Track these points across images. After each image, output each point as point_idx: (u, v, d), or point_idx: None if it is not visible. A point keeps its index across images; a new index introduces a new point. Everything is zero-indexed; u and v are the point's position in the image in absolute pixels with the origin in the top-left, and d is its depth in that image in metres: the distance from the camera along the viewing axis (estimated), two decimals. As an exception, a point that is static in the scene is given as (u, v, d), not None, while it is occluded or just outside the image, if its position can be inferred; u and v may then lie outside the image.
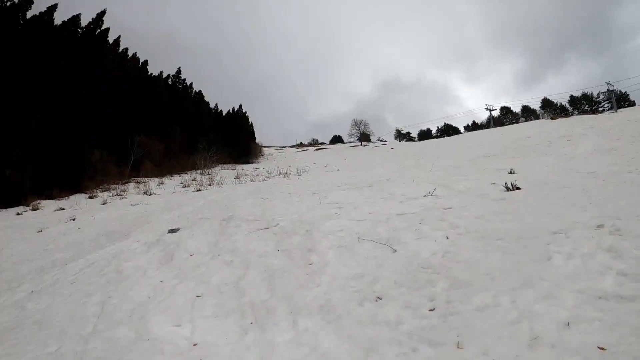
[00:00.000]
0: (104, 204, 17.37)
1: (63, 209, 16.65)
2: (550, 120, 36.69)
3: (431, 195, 8.30)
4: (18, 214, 16.60)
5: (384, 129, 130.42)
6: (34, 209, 17.28)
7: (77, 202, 17.71)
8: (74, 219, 13.47)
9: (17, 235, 11.92)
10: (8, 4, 24.01)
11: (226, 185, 20.23)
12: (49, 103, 21.99)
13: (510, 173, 11.32)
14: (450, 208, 6.98)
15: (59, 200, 19.07)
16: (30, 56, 22.48)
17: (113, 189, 21.06)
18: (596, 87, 57.54)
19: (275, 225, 7.31)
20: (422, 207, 7.25)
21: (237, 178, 25.38)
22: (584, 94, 57.11)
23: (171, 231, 8.16)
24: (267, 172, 28.45)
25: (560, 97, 62.15)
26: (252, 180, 22.84)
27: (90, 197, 19.43)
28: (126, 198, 18.45)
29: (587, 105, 56.40)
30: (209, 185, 21.30)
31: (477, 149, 21.32)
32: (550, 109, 59.84)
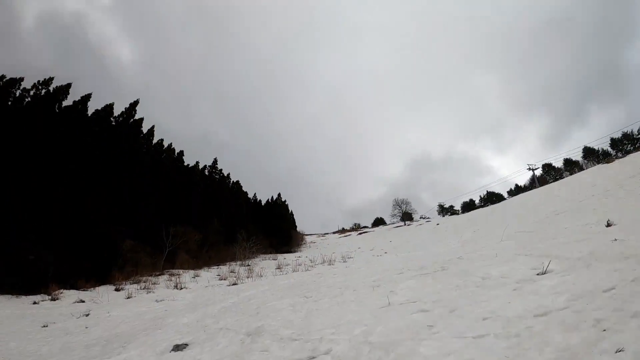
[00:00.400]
0: (128, 298, 15.39)
1: (83, 302, 14.81)
2: (606, 164, 33.44)
3: (544, 273, 5.44)
4: (35, 302, 14.92)
5: (420, 208, 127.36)
6: (53, 299, 15.61)
7: (100, 295, 15.86)
8: (87, 315, 11.50)
9: (20, 328, 10.18)
10: (43, 92, 24.41)
11: (265, 278, 17.93)
12: (80, 189, 21.07)
13: (609, 225, 9.07)
14: (611, 289, 4.07)
15: (83, 291, 17.39)
16: (64, 143, 22.17)
17: (144, 281, 19.22)
18: (634, 125, 54.40)
19: (326, 354, 4.47)
20: (567, 296, 4.25)
21: (278, 269, 23.29)
22: (624, 133, 53.99)
23: (176, 348, 6.04)
24: (310, 260, 26.24)
25: (599, 143, 58.24)
26: (294, 271, 20.63)
27: (117, 290, 17.58)
28: (153, 292, 16.45)
29: (629, 145, 53.28)
30: (247, 277, 19.08)
31: (538, 210, 18.55)
32: (593, 156, 56.44)
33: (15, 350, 7.78)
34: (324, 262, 24.46)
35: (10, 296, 16.23)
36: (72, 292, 16.81)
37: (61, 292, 16.41)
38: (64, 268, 18.31)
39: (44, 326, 10.23)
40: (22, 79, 24.52)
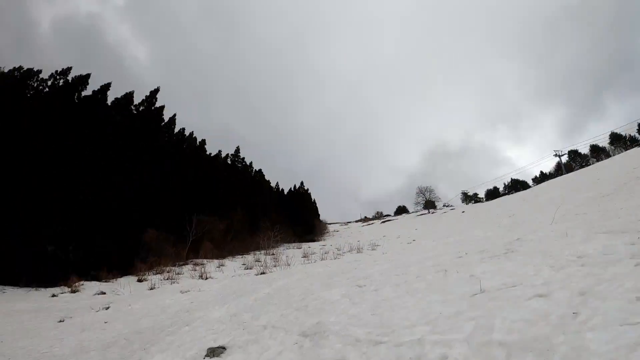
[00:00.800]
0: (151, 289, 14.58)
1: (104, 293, 14.07)
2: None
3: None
4: (53, 295, 14.25)
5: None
6: (73, 291, 14.90)
7: (123, 286, 15.08)
8: (107, 308, 10.65)
9: (35, 324, 9.33)
10: (61, 82, 23.89)
11: (294, 267, 16.80)
12: (99, 178, 20.39)
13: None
14: None
15: (105, 282, 16.69)
16: (84, 132, 21.60)
17: (167, 272, 18.40)
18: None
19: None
20: None
21: (304, 257, 22.45)
22: (653, 119, 51.52)
23: (211, 354, 4.80)
24: (337, 248, 25.25)
25: (626, 129, 56.20)
26: (322, 259, 19.62)
27: (139, 281, 16.81)
28: (178, 283, 15.60)
29: (657, 130, 51.17)
30: (275, 266, 18.21)
31: (579, 193, 17.04)
32: (620, 142, 54.36)
33: (23, 350, 6.88)
34: (351, 250, 23.52)
35: (29, 289, 15.65)
36: (94, 283, 16.11)
37: (82, 284, 15.70)
38: (85, 259, 17.74)
39: (60, 321, 9.41)
40: (39, 71, 24.12)
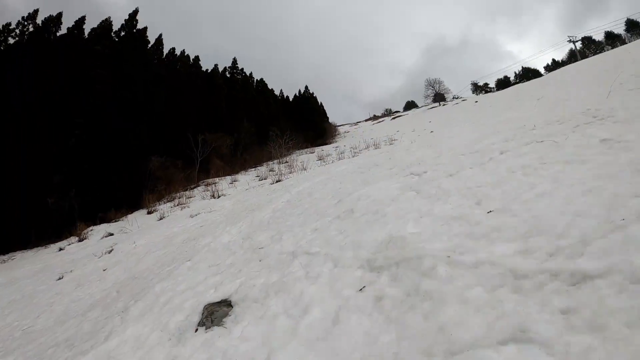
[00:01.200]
0: (160, 219, 13.32)
1: (112, 235, 12.84)
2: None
3: None
4: (61, 249, 13.02)
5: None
6: (81, 239, 13.61)
7: (131, 222, 13.85)
8: (110, 251, 9.39)
9: (33, 288, 8.06)
10: (31, 28, 21.67)
11: (312, 170, 15.25)
12: (90, 115, 18.70)
13: None
14: None
15: (114, 222, 15.46)
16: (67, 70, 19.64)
17: (178, 197, 17.22)
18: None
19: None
20: None
21: (320, 160, 21.05)
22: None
23: (209, 318, 2.89)
24: (351, 148, 23.66)
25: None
26: (339, 159, 18.14)
27: (149, 213, 15.58)
28: (188, 207, 14.28)
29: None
30: (290, 173, 16.74)
31: (615, 73, 14.90)
32: (637, 29, 50.58)
33: (8, 327, 5.60)
34: (367, 147, 21.94)
35: (38, 249, 14.59)
36: (102, 226, 14.89)
37: (90, 230, 14.51)
38: (89, 202, 16.52)
39: (59, 278, 8.14)
40: (9, 24, 21.64)
